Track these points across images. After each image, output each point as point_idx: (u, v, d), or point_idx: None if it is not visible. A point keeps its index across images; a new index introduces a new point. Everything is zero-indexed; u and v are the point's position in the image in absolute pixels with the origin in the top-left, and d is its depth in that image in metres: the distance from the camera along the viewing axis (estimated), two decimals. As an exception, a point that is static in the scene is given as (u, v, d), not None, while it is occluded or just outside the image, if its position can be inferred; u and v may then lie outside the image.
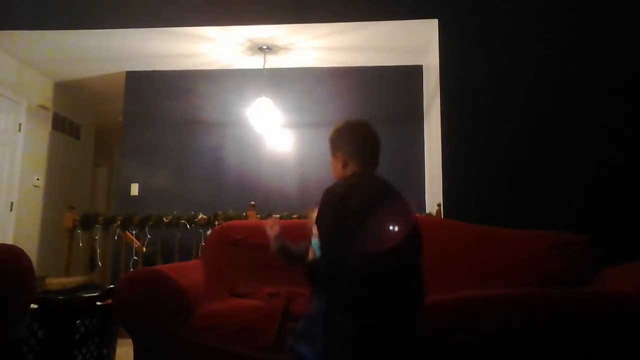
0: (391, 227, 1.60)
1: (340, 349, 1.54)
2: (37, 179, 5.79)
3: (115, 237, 4.52)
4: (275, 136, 5.49)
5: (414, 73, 5.41)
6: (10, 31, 4.64)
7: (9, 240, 5.13)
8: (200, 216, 4.34)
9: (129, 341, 2.16)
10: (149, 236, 4.42)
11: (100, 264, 4.77)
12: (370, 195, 1.68)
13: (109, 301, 2.29)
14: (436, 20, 4.21)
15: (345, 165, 1.81)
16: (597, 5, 3.90)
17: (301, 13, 4.39)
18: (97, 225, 4.44)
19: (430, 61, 4.85)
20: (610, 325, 1.87)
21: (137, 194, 5.53)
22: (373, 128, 1.87)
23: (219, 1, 4.45)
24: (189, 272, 2.39)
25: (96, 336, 2.34)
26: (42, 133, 5.90)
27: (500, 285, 2.35)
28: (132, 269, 4.22)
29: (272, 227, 1.98)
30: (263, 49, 5.02)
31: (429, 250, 2.63)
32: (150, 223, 4.35)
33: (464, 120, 3.93)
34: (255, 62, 5.29)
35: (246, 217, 4.23)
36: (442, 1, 4.19)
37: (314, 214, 1.75)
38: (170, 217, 4.36)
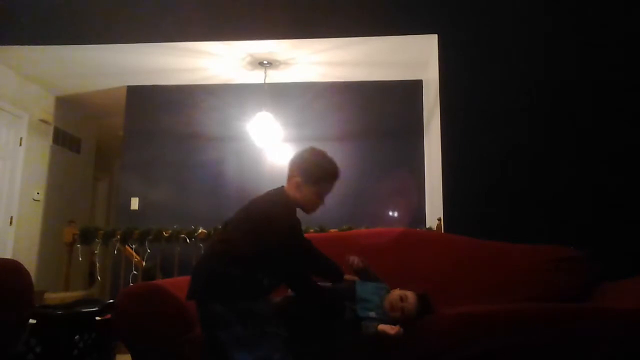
0: None
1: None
2: (38, 193, 5.79)
3: (115, 252, 4.51)
4: (276, 150, 5.50)
5: (414, 88, 5.43)
6: (12, 46, 4.68)
7: (8, 254, 5.10)
8: (200, 230, 4.33)
9: (128, 357, 2.15)
10: (148, 250, 4.41)
11: (99, 278, 4.76)
12: None
13: (108, 316, 2.28)
14: (436, 36, 4.24)
15: None
16: (596, 21, 3.94)
17: (302, 28, 4.42)
18: (96, 240, 4.42)
19: (430, 76, 4.87)
20: (610, 340, 1.86)
21: (137, 208, 5.53)
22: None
23: (220, 16, 4.49)
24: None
25: (95, 351, 2.32)
26: (43, 147, 5.91)
27: (500, 299, 2.34)
28: (131, 284, 4.21)
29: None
30: (264, 63, 5.05)
31: (429, 264, 2.64)
32: (150, 237, 4.34)
33: (464, 135, 3.95)
34: (256, 76, 5.32)
35: (246, 232, 4.20)
36: (442, 17, 4.23)
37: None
38: (170, 231, 4.35)
